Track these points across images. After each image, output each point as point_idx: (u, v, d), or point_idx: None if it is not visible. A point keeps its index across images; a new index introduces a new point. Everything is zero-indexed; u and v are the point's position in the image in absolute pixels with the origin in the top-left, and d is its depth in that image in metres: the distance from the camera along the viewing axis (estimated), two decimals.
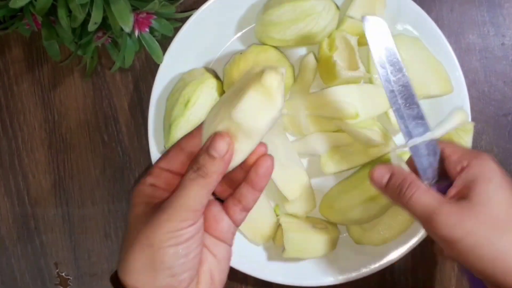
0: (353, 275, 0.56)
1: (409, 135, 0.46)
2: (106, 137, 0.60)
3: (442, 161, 0.45)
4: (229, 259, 0.43)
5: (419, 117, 0.46)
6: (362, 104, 0.54)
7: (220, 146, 0.38)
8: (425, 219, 0.42)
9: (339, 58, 0.52)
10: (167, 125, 0.54)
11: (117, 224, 0.60)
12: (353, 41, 0.52)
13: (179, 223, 0.38)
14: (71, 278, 0.61)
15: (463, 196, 0.42)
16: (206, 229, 0.41)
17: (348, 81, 0.53)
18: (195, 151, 0.40)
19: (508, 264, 0.40)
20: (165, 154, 0.42)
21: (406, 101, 0.45)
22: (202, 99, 0.53)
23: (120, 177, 0.60)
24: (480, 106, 0.59)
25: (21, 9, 0.50)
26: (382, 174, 0.45)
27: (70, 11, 0.48)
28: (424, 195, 0.42)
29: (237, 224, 0.43)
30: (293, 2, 0.52)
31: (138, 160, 0.60)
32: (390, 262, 0.56)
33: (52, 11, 0.49)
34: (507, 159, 0.59)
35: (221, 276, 0.42)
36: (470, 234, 0.40)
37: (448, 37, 0.55)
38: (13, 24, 0.54)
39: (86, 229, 0.60)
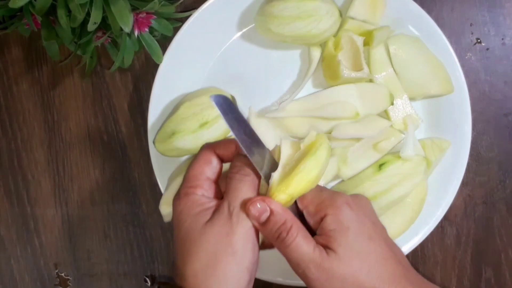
0: None
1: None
2: (106, 137, 0.60)
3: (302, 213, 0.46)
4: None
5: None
6: (362, 103, 0.54)
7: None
8: (298, 269, 0.43)
9: (344, 58, 0.52)
10: (170, 129, 0.53)
11: (117, 225, 0.60)
12: (359, 41, 0.52)
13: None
14: (70, 278, 0.61)
15: (328, 246, 0.43)
16: None
17: (351, 81, 0.53)
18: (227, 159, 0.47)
19: None
20: (202, 163, 0.46)
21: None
22: (218, 127, 0.54)
23: (120, 177, 0.60)
24: (480, 106, 0.59)
25: (21, 9, 0.50)
26: (260, 211, 0.43)
27: (69, 11, 0.48)
28: (303, 245, 0.42)
29: None
30: None
31: (137, 160, 0.60)
32: None
33: (51, 11, 0.49)
34: (508, 160, 0.59)
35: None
36: None
37: (448, 36, 0.55)
38: (12, 24, 0.54)
39: (86, 229, 0.60)
